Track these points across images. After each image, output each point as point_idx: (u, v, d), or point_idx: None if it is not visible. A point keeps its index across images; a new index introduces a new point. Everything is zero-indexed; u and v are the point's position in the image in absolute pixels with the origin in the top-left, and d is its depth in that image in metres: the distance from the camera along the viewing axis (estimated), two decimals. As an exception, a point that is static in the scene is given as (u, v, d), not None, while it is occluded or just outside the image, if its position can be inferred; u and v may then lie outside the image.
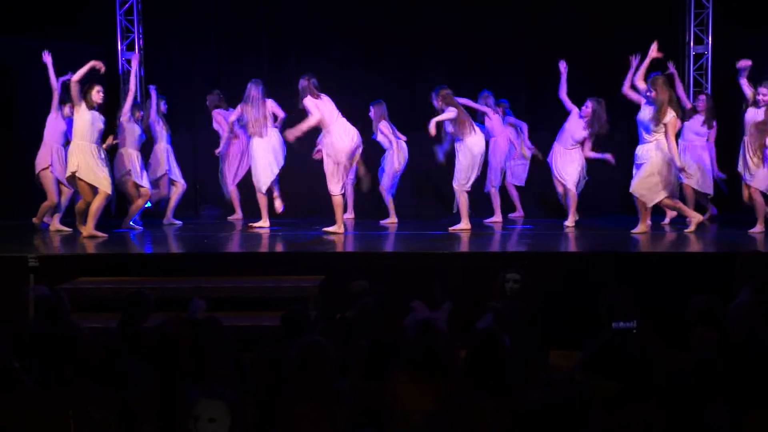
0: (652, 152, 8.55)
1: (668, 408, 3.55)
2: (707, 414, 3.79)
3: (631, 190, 8.77)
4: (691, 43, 11.70)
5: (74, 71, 9.11)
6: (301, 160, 9.76)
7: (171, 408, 3.75)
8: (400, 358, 4.38)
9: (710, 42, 11.61)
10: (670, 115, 8.42)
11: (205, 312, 5.36)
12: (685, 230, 8.91)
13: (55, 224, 9.49)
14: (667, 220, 9.62)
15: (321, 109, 8.62)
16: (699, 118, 9.71)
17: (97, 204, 8.78)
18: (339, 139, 8.70)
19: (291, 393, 4.06)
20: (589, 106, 9.62)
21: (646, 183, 8.61)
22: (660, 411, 3.53)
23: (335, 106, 8.84)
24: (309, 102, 8.62)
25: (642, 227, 8.77)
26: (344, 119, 8.83)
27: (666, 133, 8.44)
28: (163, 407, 3.82)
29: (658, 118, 8.42)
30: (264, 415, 4.21)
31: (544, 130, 10.77)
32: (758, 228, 8.68)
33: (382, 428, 4.30)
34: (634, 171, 8.84)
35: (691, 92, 11.66)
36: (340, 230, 8.90)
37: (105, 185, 8.77)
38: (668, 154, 8.50)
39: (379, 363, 4.56)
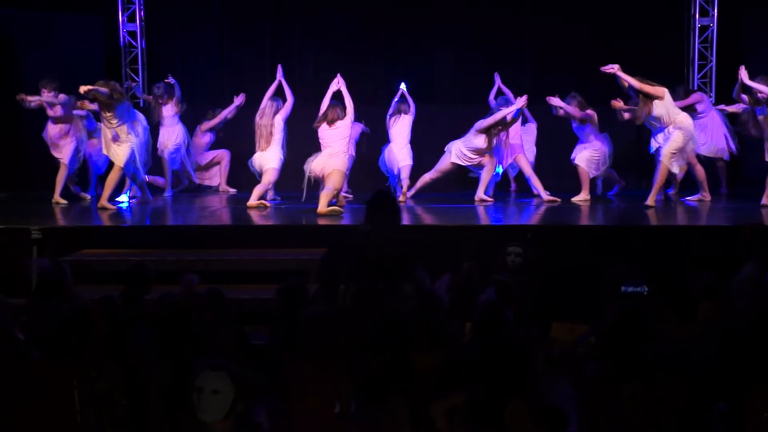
0: (675, 132, 8.56)
1: (669, 383, 3.54)
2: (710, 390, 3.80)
3: (660, 158, 8.70)
4: (697, 16, 11.60)
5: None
6: (312, 135, 9.69)
7: (177, 379, 3.75)
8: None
9: (716, 14, 11.51)
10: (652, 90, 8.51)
11: (199, 285, 5.35)
12: (690, 198, 9.10)
13: (56, 197, 9.49)
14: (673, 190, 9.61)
15: None
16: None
17: (111, 177, 9.02)
18: None
19: (297, 364, 4.07)
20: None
21: (672, 150, 8.62)
22: (660, 383, 3.52)
23: None
24: None
25: (652, 200, 8.75)
26: None
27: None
28: (170, 379, 3.83)
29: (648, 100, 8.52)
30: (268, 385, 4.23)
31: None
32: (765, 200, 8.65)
33: (386, 400, 4.31)
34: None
35: (696, 65, 11.62)
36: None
37: (119, 159, 8.96)
38: (689, 131, 8.54)
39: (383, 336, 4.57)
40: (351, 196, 10.08)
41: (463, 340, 4.77)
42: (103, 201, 8.86)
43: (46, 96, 9.46)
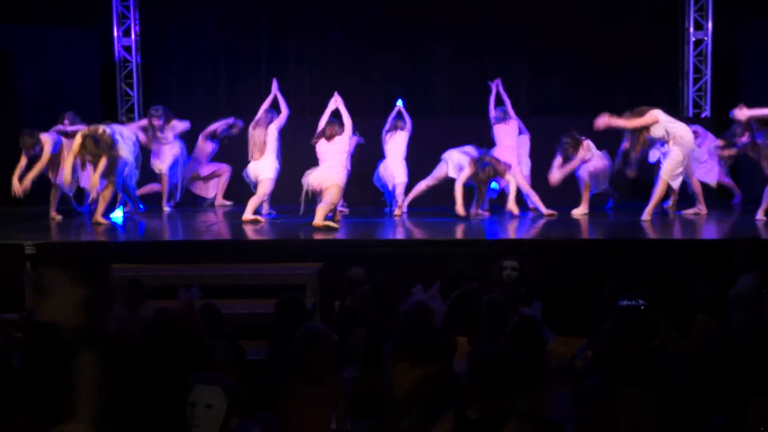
0: (674, 149, 8.61)
1: (666, 394, 3.52)
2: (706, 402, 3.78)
3: (661, 174, 8.74)
4: (691, 29, 11.64)
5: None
6: (308, 148, 9.67)
7: (173, 394, 3.72)
8: (395, 343, 4.37)
9: (710, 28, 11.55)
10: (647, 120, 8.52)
11: (200, 299, 5.33)
12: (686, 211, 9.22)
13: (52, 213, 9.47)
14: (669, 203, 9.60)
15: None
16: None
17: (104, 193, 8.97)
18: None
19: (292, 379, 4.05)
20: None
21: (674, 168, 8.66)
22: (658, 396, 3.50)
23: None
24: None
25: (648, 214, 8.75)
26: None
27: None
28: (168, 394, 3.80)
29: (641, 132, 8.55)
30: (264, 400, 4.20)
31: (547, 115, 10.76)
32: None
33: (382, 415, 4.29)
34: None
35: (691, 78, 11.64)
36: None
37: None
38: (688, 146, 8.59)
39: (378, 350, 4.55)
40: (347, 210, 10.06)
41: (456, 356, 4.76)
42: (97, 216, 8.84)
43: (32, 153, 9.23)
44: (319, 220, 8.43)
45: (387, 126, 10.05)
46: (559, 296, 6.59)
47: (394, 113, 10.10)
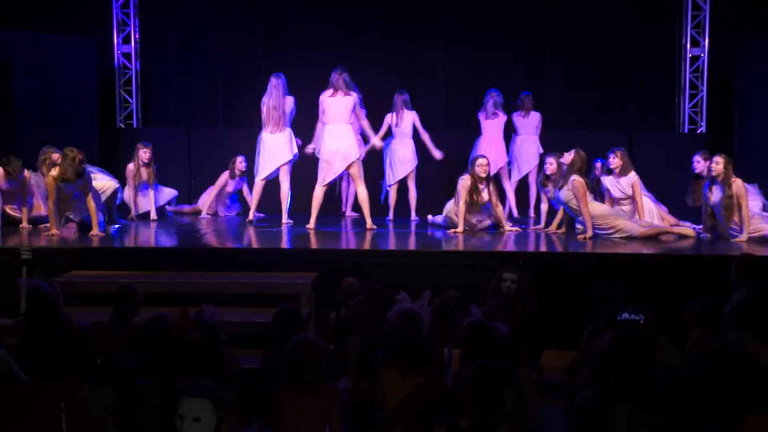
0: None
1: (660, 409, 3.53)
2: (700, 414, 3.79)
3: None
4: (688, 45, 11.69)
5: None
6: (307, 158, 9.64)
7: (168, 403, 3.73)
8: (385, 352, 4.38)
9: (707, 44, 11.60)
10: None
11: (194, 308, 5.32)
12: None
13: (53, 230, 9.33)
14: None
15: None
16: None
17: (92, 205, 8.78)
18: None
19: (285, 389, 4.05)
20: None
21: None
22: (651, 411, 3.51)
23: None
24: None
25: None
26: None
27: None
28: (161, 402, 3.80)
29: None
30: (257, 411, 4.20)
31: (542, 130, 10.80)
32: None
33: (375, 425, 4.29)
34: None
35: (687, 95, 11.68)
36: None
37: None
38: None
39: (372, 361, 4.56)
40: (357, 214, 10.04)
41: (444, 366, 4.76)
42: (94, 230, 8.67)
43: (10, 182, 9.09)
44: (370, 222, 8.90)
45: (393, 107, 10.00)
46: (554, 309, 6.59)
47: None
